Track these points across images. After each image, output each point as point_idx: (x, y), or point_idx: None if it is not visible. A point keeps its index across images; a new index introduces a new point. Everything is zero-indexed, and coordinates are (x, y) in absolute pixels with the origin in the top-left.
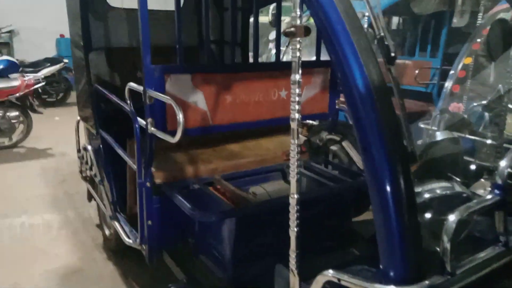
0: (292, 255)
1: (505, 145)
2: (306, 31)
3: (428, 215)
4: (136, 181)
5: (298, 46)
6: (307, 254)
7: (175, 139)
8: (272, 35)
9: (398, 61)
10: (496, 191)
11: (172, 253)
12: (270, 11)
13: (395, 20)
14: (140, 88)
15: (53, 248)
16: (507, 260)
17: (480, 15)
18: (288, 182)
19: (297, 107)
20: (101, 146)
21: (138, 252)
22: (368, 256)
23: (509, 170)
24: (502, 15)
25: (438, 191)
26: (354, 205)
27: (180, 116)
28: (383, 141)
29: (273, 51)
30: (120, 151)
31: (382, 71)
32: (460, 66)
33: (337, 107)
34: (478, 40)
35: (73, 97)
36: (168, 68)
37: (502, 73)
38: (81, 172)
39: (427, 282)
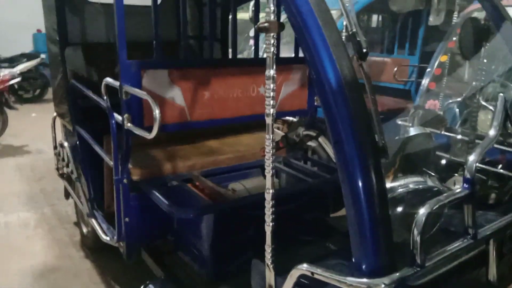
0: (268, 249)
1: (477, 141)
2: (280, 26)
3: (400, 209)
4: (112, 177)
5: (272, 41)
6: (284, 249)
7: (151, 135)
8: (253, 31)
9: (377, 58)
10: (465, 185)
11: (150, 250)
12: (250, 7)
13: (374, 17)
14: (116, 83)
15: (29, 246)
16: (476, 252)
17: (455, 14)
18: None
19: (271, 102)
20: (77, 142)
21: (116, 249)
22: (345, 250)
23: (477, 164)
24: (476, 14)
25: (411, 186)
26: (332, 201)
27: (157, 112)
28: (354, 135)
29: (253, 48)
30: (96, 148)
31: (354, 66)
32: (436, 64)
33: (316, 103)
34: (454, 38)
35: (50, 93)
36: (144, 63)
37: (476, 71)
38: (57, 169)
39: (397, 274)
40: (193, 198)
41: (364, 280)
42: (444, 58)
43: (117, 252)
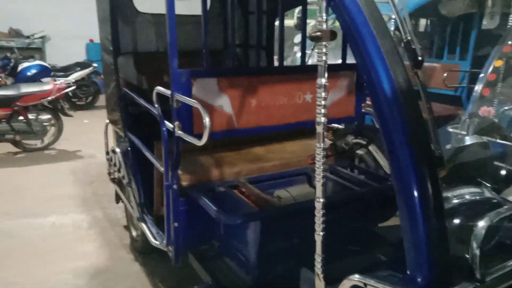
0: (318, 259)
1: None
2: (332, 35)
3: (457, 221)
4: (161, 182)
5: (324, 50)
6: (333, 258)
7: (201, 142)
8: (297, 38)
9: (426, 64)
10: None
11: (197, 255)
12: (296, 14)
13: (422, 22)
14: (168, 92)
15: (82, 247)
16: None
17: (511, 16)
18: (313, 186)
19: (323, 111)
20: (129, 148)
21: (164, 253)
22: (395, 261)
23: None
24: None
25: (467, 197)
26: (380, 210)
27: (207, 120)
28: (410, 145)
29: (298, 54)
30: (147, 154)
31: (409, 74)
32: (490, 69)
33: (363, 110)
34: (510, 42)
35: (101, 100)
36: (194, 72)
37: None
38: (109, 174)
39: None
40: (239, 204)
41: None
42: (499, 63)
43: (165, 256)
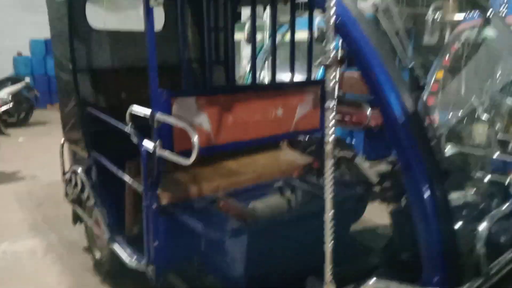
0: (327, 267)
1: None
2: (341, 61)
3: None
4: (134, 201)
5: (333, 75)
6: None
7: (189, 161)
8: (245, 51)
9: (347, 72)
10: None
11: (179, 273)
12: (246, 28)
13: None
14: (146, 111)
15: (41, 276)
16: None
17: (447, 33)
18: (283, 197)
19: (331, 131)
20: (93, 168)
21: (136, 273)
22: (386, 266)
23: None
24: (467, 33)
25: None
26: (351, 213)
27: (195, 139)
28: (421, 161)
29: (247, 68)
30: (119, 173)
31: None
32: (432, 80)
33: None
34: (447, 55)
35: (35, 116)
36: (174, 92)
37: (471, 86)
38: (66, 195)
39: (467, 284)
40: (221, 218)
41: None
42: (440, 75)
43: (137, 276)
